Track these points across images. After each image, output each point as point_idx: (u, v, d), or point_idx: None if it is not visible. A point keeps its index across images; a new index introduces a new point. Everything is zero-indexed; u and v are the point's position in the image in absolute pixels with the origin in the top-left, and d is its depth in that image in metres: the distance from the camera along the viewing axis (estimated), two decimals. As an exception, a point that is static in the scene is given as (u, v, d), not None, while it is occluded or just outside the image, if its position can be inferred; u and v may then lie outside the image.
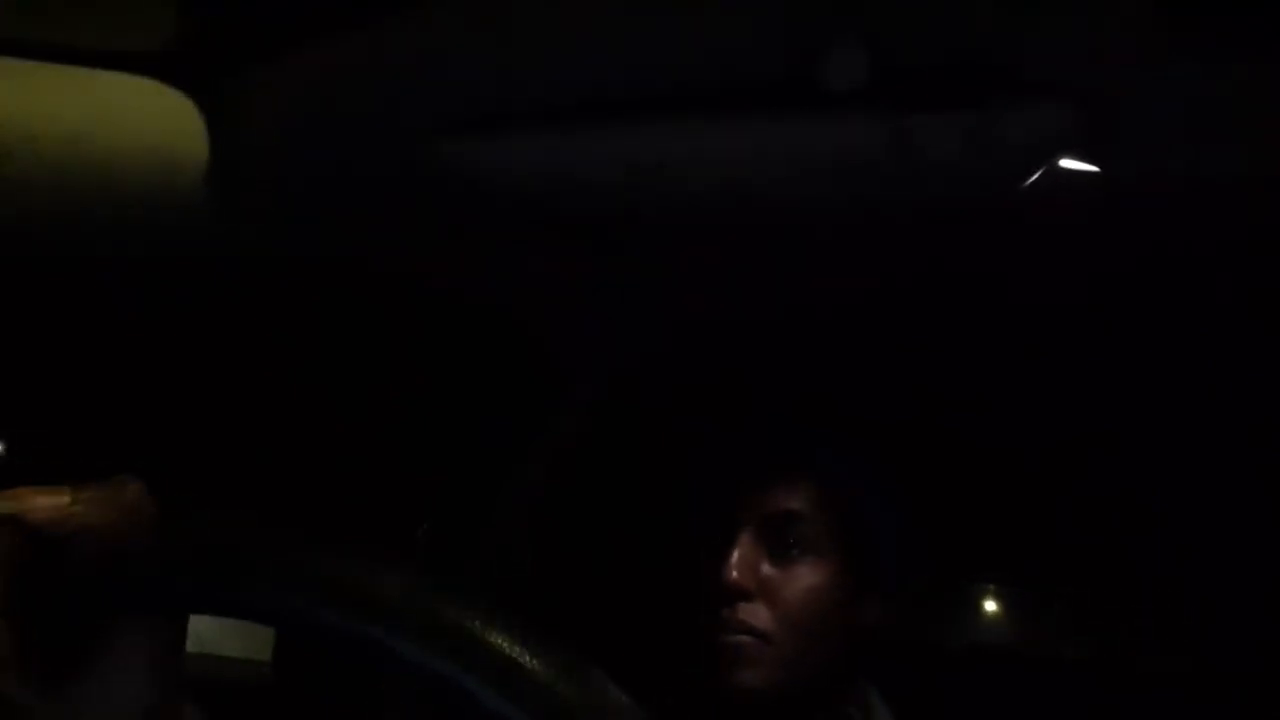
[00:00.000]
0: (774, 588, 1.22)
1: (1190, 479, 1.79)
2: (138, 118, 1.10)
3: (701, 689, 1.24)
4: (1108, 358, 1.58)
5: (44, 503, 0.64)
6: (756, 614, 1.22)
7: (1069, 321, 1.53)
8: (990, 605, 2.24)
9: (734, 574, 1.22)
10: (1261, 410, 1.60)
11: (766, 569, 1.24)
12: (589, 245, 1.38)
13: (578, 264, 1.44)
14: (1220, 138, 1.09)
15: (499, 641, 0.70)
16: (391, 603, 0.69)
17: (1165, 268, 1.35)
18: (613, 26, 0.97)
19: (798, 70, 0.96)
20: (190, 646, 0.80)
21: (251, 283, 1.39)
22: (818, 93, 0.97)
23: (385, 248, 1.39)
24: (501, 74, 1.05)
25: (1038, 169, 1.05)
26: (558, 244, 1.38)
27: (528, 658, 0.69)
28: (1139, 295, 1.42)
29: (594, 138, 1.09)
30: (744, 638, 1.19)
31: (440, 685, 0.67)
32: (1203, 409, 1.66)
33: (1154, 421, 1.70)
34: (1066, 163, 1.07)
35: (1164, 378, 1.60)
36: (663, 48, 1.00)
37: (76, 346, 1.40)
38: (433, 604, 0.70)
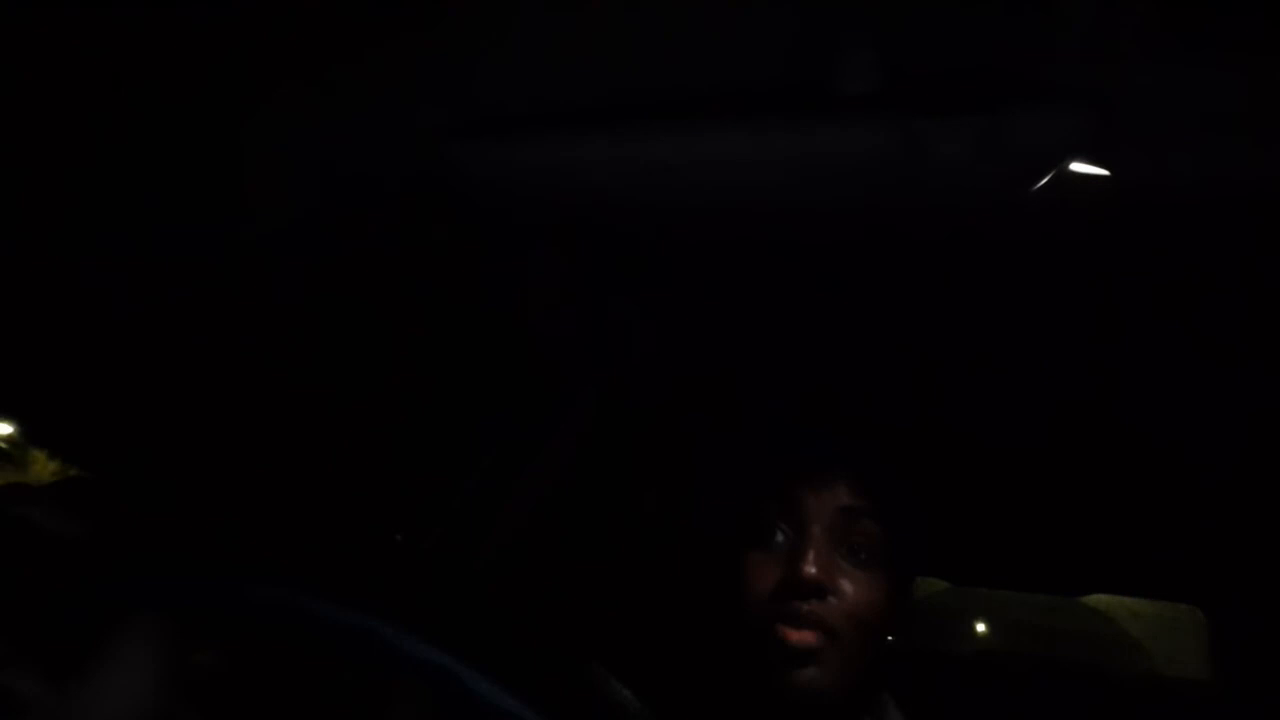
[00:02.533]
0: (844, 588, 1.16)
1: (1195, 479, 1.79)
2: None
3: (746, 687, 1.21)
4: (1112, 357, 1.58)
5: None
6: (829, 611, 1.15)
7: (1071, 321, 1.53)
8: (991, 610, 2.23)
9: (814, 569, 1.16)
10: (1265, 406, 1.60)
11: (838, 568, 1.17)
12: (596, 246, 1.39)
13: (583, 264, 1.44)
14: (1226, 139, 1.09)
15: (503, 638, 0.70)
16: (391, 597, 0.69)
17: (1172, 267, 1.35)
18: (625, 30, 0.97)
19: (809, 74, 0.96)
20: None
21: (254, 282, 1.39)
22: (829, 96, 0.97)
23: (388, 247, 1.39)
24: (514, 77, 1.05)
25: (1048, 172, 1.05)
26: (565, 244, 1.38)
27: (532, 655, 0.69)
28: (1144, 294, 1.42)
29: (608, 140, 1.08)
30: (812, 633, 1.14)
31: (443, 682, 0.67)
32: (1208, 407, 1.66)
33: (1161, 419, 1.70)
34: (1076, 165, 1.07)
35: (1170, 378, 1.60)
36: (675, 51, 0.99)
37: (81, 345, 1.40)
38: (433, 599, 0.70)
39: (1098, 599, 2.16)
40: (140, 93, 1.07)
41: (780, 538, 1.20)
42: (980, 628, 2.25)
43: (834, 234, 1.32)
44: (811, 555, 1.17)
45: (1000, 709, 1.93)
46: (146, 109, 1.09)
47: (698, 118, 1.06)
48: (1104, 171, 1.10)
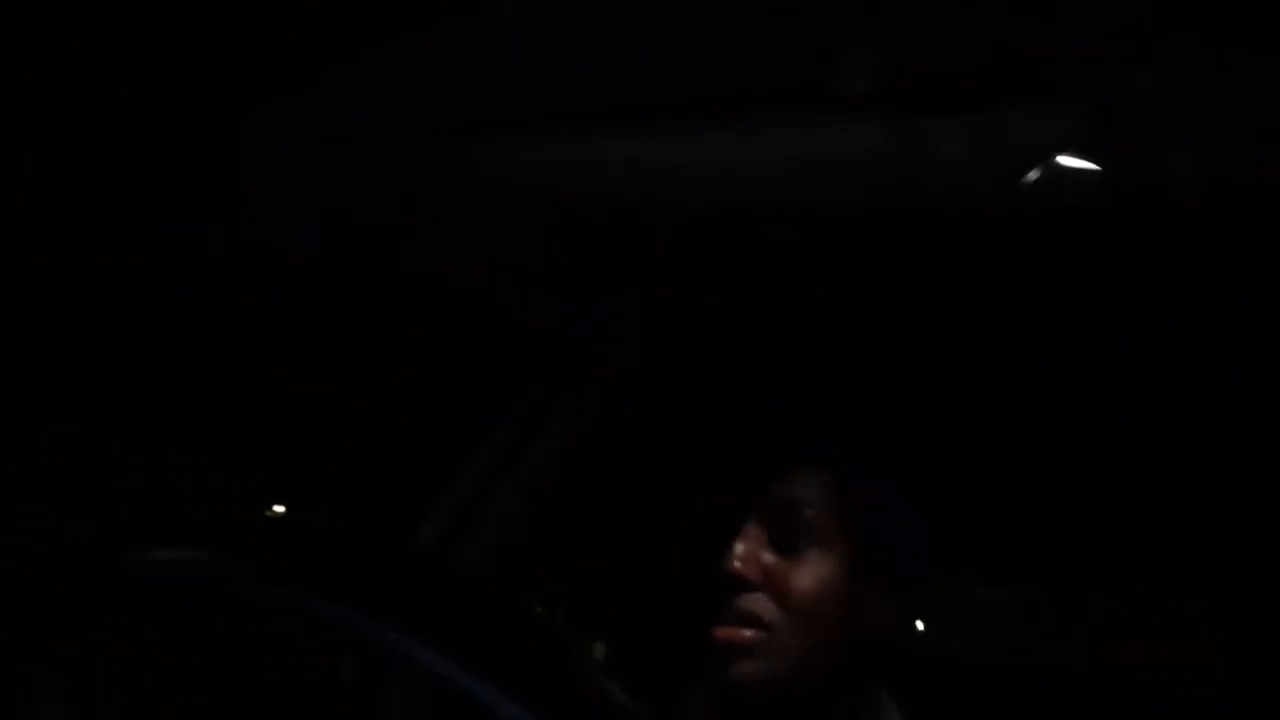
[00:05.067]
0: (778, 578, 1.16)
1: (1194, 478, 1.79)
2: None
3: (705, 683, 1.22)
4: (1112, 357, 1.58)
5: None
6: (759, 604, 1.16)
7: (1072, 322, 1.53)
8: (991, 609, 2.24)
9: (736, 563, 1.16)
10: (1263, 404, 1.60)
11: (770, 559, 1.17)
12: (596, 246, 1.39)
13: (583, 264, 1.44)
14: (1224, 138, 1.09)
15: (503, 638, 0.69)
16: (391, 597, 0.69)
17: (1172, 267, 1.35)
18: (624, 30, 0.97)
19: (809, 74, 0.96)
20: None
21: (257, 281, 1.39)
22: (829, 96, 0.97)
23: (387, 247, 1.39)
24: (514, 77, 1.05)
25: (1045, 170, 1.05)
26: (565, 244, 1.38)
27: (532, 655, 0.69)
28: (1144, 294, 1.42)
29: (607, 140, 1.09)
30: (740, 629, 1.14)
31: (442, 681, 0.67)
32: (1208, 406, 1.66)
33: (1161, 419, 1.70)
34: (1072, 163, 1.07)
35: (1169, 377, 1.60)
36: (675, 51, 0.99)
37: (82, 344, 1.40)
38: (433, 599, 0.70)
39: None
40: (141, 93, 1.07)
41: (729, 535, 1.20)
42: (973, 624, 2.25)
43: (833, 234, 1.32)
44: (737, 549, 1.17)
45: (1000, 709, 1.93)
46: (147, 109, 1.09)
47: (698, 118, 1.06)
48: (1104, 171, 1.10)
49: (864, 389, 1.67)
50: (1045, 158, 1.04)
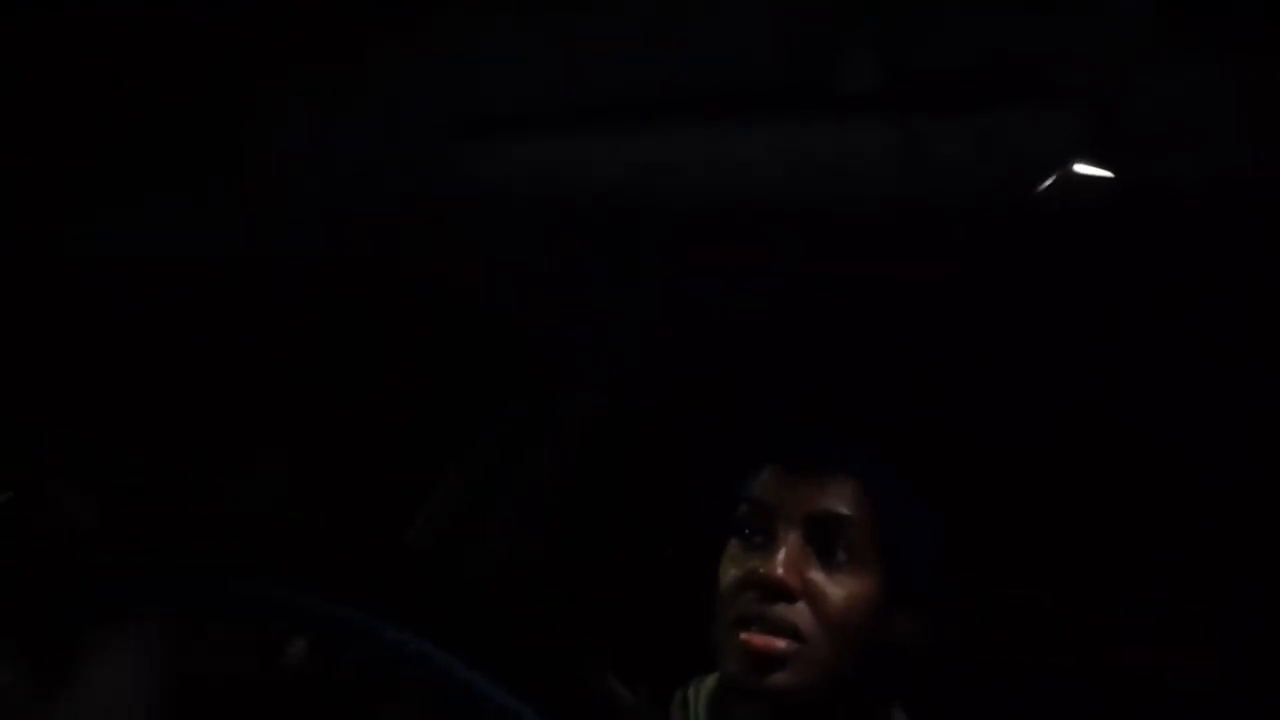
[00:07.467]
0: (818, 591, 1.17)
1: (1196, 478, 1.79)
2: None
3: (726, 688, 1.22)
4: (1110, 357, 1.58)
5: None
6: (798, 615, 1.16)
7: (1072, 321, 1.53)
8: (991, 609, 2.23)
9: (780, 572, 1.16)
10: (1263, 404, 1.60)
11: (812, 571, 1.18)
12: (596, 245, 1.39)
13: (583, 264, 1.45)
14: (1226, 139, 1.09)
15: (503, 638, 0.70)
16: (391, 597, 0.69)
17: (1174, 268, 1.35)
18: (625, 30, 0.97)
19: (809, 73, 0.96)
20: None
21: (257, 281, 1.39)
22: (829, 95, 0.97)
23: (389, 247, 1.40)
24: (514, 77, 1.05)
25: (1048, 172, 1.05)
26: (565, 244, 1.39)
27: (532, 655, 0.69)
28: (1144, 294, 1.42)
29: (608, 139, 1.09)
30: (776, 638, 1.15)
31: (443, 681, 0.67)
32: (1210, 408, 1.66)
33: (1163, 419, 1.70)
34: (1077, 166, 1.07)
35: (1168, 377, 1.61)
36: (675, 51, 1.00)
37: (80, 343, 1.40)
38: (433, 599, 0.70)
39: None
40: (141, 92, 1.07)
41: (758, 539, 1.20)
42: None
43: (834, 234, 1.32)
44: (780, 557, 1.17)
45: (1000, 709, 1.93)
46: (147, 108, 1.09)
47: (698, 118, 1.06)
48: (1105, 172, 1.10)
49: (862, 389, 1.67)
50: (1046, 158, 1.04)
